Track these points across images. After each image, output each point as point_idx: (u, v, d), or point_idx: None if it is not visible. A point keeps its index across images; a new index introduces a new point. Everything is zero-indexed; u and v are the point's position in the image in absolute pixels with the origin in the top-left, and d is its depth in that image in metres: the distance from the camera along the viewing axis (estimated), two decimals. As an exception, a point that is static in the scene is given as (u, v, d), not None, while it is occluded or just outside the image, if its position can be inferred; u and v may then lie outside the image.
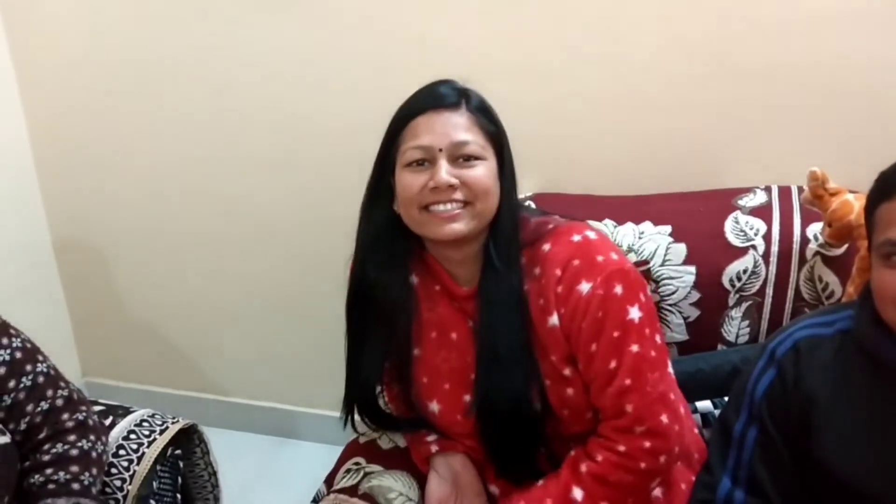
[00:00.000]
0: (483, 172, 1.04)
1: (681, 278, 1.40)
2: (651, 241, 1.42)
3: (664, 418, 1.03)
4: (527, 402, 1.06)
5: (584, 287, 1.02)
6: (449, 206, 1.02)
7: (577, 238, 1.06)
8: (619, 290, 1.02)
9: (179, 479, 1.32)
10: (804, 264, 1.34)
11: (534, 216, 1.13)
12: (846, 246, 1.30)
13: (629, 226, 1.46)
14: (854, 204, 1.25)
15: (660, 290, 1.41)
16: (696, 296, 1.39)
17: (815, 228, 1.34)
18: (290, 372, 2.08)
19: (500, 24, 1.59)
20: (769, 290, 1.36)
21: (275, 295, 2.00)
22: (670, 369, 1.08)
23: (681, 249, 1.40)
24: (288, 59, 1.73)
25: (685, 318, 1.41)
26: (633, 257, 1.41)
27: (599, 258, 1.04)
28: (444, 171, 1.01)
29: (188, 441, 1.34)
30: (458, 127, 1.03)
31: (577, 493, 1.04)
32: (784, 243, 1.35)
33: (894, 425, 0.96)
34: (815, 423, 0.99)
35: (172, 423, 1.30)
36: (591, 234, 1.08)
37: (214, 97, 1.81)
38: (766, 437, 1.02)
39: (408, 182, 1.04)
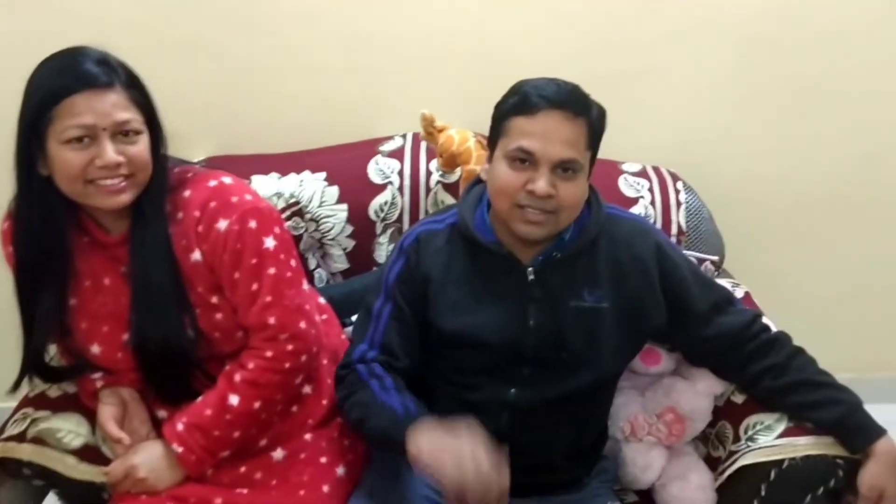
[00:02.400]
0: (143, 146, 1.12)
1: (336, 216, 1.61)
2: (309, 187, 1.62)
3: (302, 324, 1.22)
4: (180, 331, 1.18)
5: (222, 224, 1.16)
6: (115, 180, 1.09)
7: (213, 183, 1.20)
8: (253, 224, 1.18)
9: None
10: (430, 192, 1.62)
11: (176, 165, 1.24)
12: (459, 173, 1.60)
13: (292, 176, 1.64)
14: (455, 137, 1.55)
15: (320, 227, 1.62)
16: (350, 229, 1.62)
17: (435, 163, 1.63)
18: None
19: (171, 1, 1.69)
20: (406, 217, 1.62)
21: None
22: (305, 286, 1.26)
23: (334, 191, 1.62)
24: None
25: (344, 250, 1.63)
26: (292, 201, 1.60)
27: (234, 199, 1.18)
28: (112, 152, 1.07)
29: None
30: (117, 106, 1.07)
31: (234, 399, 1.18)
32: (414, 178, 1.63)
33: (488, 291, 1.24)
34: (431, 295, 1.25)
35: None
36: (227, 179, 1.22)
37: None
38: (398, 310, 1.25)
39: (70, 159, 1.07)
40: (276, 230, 1.21)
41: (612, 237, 1.24)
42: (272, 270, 1.19)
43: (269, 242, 1.19)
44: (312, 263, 1.59)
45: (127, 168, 1.10)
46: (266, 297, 1.19)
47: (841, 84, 1.81)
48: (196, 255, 1.18)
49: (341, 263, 1.64)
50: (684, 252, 1.40)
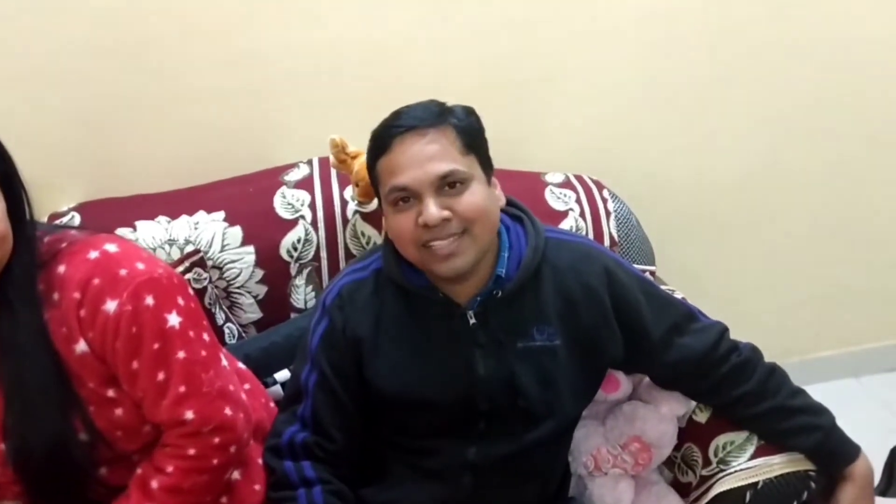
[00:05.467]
0: None
1: (242, 260, 1.42)
2: (206, 229, 1.42)
3: (228, 411, 1.02)
4: (70, 437, 0.97)
5: (111, 306, 0.95)
6: None
7: (94, 255, 0.97)
8: (150, 300, 0.97)
9: None
10: (347, 224, 1.46)
11: (47, 233, 1.02)
12: (376, 201, 1.45)
13: (184, 218, 1.43)
14: (371, 163, 1.39)
15: (225, 275, 1.42)
16: (259, 273, 1.43)
17: (350, 191, 1.47)
18: None
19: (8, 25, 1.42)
20: (323, 254, 1.45)
21: None
22: (224, 362, 1.07)
23: (236, 232, 1.42)
24: None
25: (255, 297, 1.44)
26: (190, 248, 1.39)
27: (122, 272, 0.96)
28: None
29: None
30: None
31: None
32: (327, 209, 1.46)
33: (427, 343, 1.10)
34: (366, 356, 1.10)
35: None
36: (112, 247, 0.99)
37: None
38: (324, 379, 1.10)
39: None
40: (180, 301, 1.00)
41: (555, 266, 1.13)
42: (181, 354, 0.99)
43: (173, 319, 0.98)
44: (220, 318, 1.39)
45: None
46: (179, 387, 0.98)
47: (741, 77, 1.81)
48: (81, 346, 0.96)
49: (253, 313, 1.45)
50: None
